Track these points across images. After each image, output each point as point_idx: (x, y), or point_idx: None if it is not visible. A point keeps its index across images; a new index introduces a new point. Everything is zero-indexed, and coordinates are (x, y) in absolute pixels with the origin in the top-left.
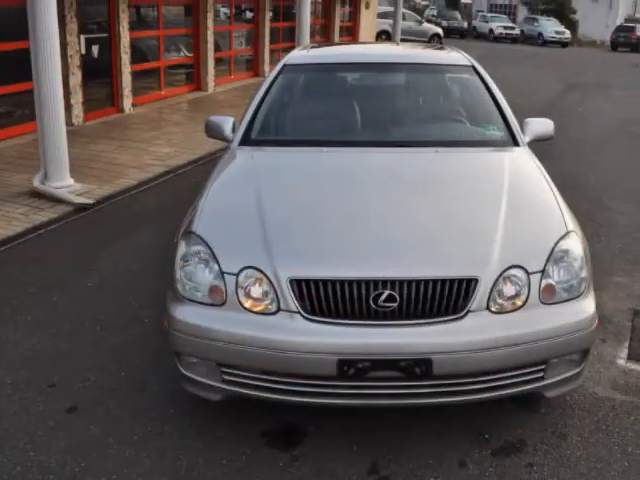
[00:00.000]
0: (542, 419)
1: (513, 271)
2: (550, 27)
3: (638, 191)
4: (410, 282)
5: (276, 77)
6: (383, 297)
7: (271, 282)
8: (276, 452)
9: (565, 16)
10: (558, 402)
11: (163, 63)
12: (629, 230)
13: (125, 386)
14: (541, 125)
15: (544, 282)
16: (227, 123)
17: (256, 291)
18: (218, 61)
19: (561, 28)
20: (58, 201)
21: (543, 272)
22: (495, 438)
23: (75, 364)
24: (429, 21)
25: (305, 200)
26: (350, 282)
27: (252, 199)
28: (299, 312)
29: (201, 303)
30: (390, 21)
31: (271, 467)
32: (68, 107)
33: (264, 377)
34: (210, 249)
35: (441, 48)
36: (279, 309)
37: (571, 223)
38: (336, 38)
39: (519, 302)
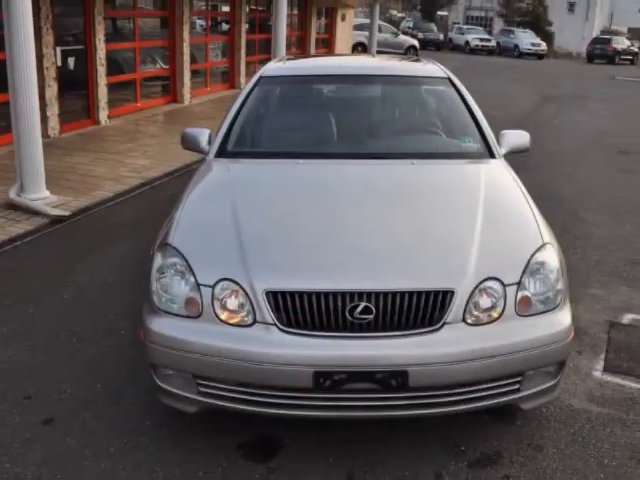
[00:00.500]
0: (518, 431)
1: (489, 283)
2: (526, 39)
3: (614, 203)
4: (386, 294)
5: (252, 89)
6: (359, 309)
7: (247, 294)
8: (252, 464)
9: (541, 28)
10: (534, 414)
11: (139, 75)
12: (605, 242)
13: (101, 398)
14: (517, 137)
15: (520, 294)
16: (203, 135)
17: (232, 303)
18: (194, 73)
19: (537, 40)
20: (34, 213)
21: (519, 284)
22: (471, 450)
23: (51, 376)
24: (405, 33)
25: (281, 212)
26: (326, 294)
27: (228, 211)
28: (275, 324)
29: (177, 315)
30: (366, 33)
31: (247, 479)
32: (44, 119)
33: (240, 389)
34: (186, 261)
35: (417, 60)
36: (255, 321)
37: (547, 235)
38: (312, 50)
39: (495, 314)
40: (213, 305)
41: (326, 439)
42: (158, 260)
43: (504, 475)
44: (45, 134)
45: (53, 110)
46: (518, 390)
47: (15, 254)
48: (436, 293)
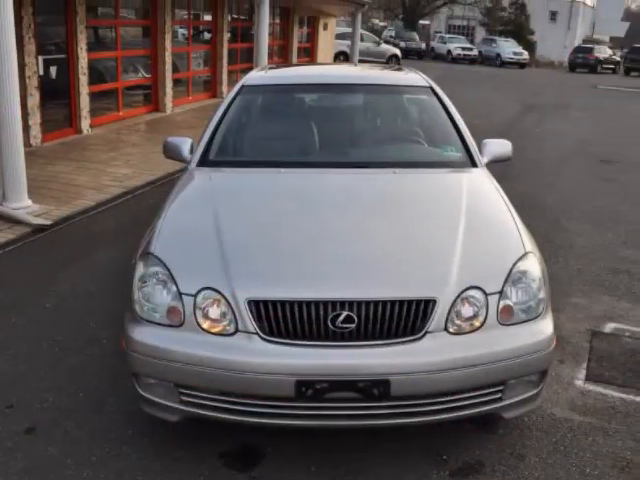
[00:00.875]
0: (500, 440)
1: (471, 292)
2: (508, 48)
3: (596, 212)
4: (368, 303)
5: (234, 98)
6: (341, 318)
7: (229, 303)
8: (234, 473)
9: (523, 37)
10: (516, 423)
11: (121, 84)
12: (587, 251)
13: (83, 407)
14: (499, 146)
15: (502, 303)
16: (185, 144)
17: (214, 312)
18: (176, 82)
19: (519, 49)
20: (16, 222)
21: (501, 293)
22: (453, 459)
23: (33, 385)
24: (387, 42)
25: (263, 221)
26: (308, 303)
27: (210, 220)
28: (257, 333)
29: (159, 324)
30: (348, 42)
31: None
32: (26, 128)
33: (222, 398)
34: (168, 270)
35: (399, 69)
36: (237, 330)
37: (529, 244)
38: (294, 59)
39: (477, 323)
40: (195, 314)
41: (308, 448)
42: (140, 269)
43: None
44: (27, 143)
45: (35, 119)
46: (500, 399)
47: None
48: (418, 302)
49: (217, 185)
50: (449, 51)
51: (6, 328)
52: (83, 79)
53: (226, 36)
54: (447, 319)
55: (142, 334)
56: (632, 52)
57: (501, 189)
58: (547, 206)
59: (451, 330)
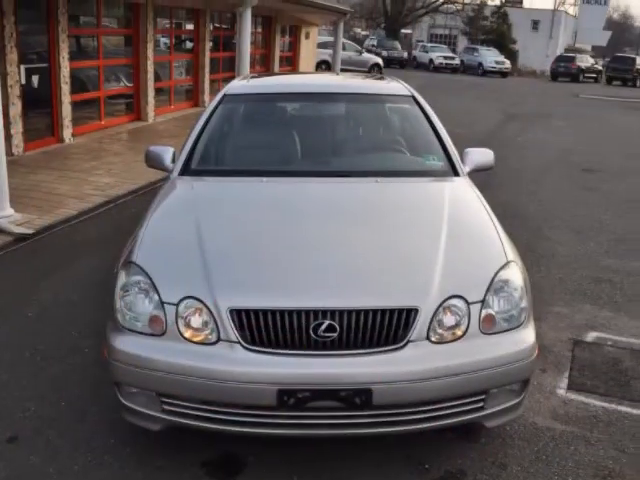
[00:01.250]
0: (482, 449)
1: (453, 301)
2: (490, 57)
3: (578, 221)
4: (350, 312)
5: (216, 107)
6: (323, 327)
7: (211, 312)
8: None
9: (505, 46)
10: (498, 432)
11: (103, 93)
12: (569, 260)
13: (65, 416)
14: (481, 155)
15: (484, 312)
16: (167, 153)
17: (196, 321)
18: (158, 91)
19: (501, 58)
20: None
21: (483, 302)
22: (435, 468)
23: (15, 394)
24: (369, 51)
25: (245, 230)
26: (290, 312)
27: (192, 229)
28: (239, 342)
29: (141, 333)
30: (330, 51)
31: None
32: (8, 137)
33: (204, 407)
34: (150, 279)
35: (381, 78)
36: (219, 339)
37: (511, 253)
38: (276, 68)
39: (459, 332)
40: (177, 323)
41: (290, 457)
42: (122, 278)
43: None
44: (9, 152)
45: (17, 128)
46: (482, 408)
47: None
48: (400, 311)
49: (199, 194)
50: (431, 60)
51: None
52: (65, 88)
53: (208, 45)
54: (429, 328)
55: (124, 343)
56: (614, 61)
57: (483, 198)
58: (529, 215)
59: (433, 339)
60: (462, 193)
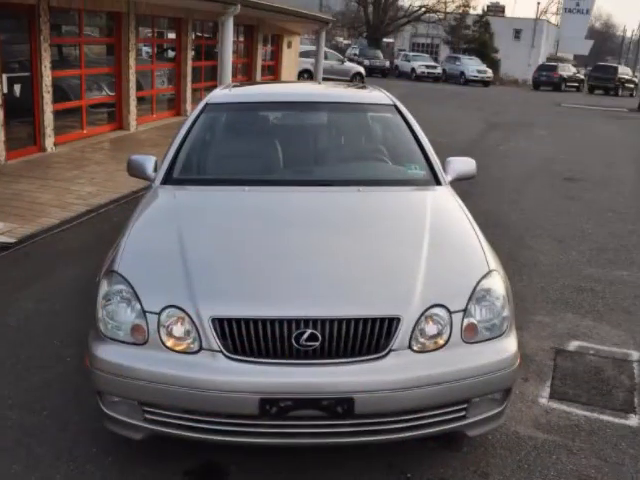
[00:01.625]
0: (464, 458)
1: (435, 310)
2: (472, 66)
3: (560, 230)
4: (332, 321)
5: (198, 116)
6: (305, 336)
7: (193, 321)
8: None
9: (487, 55)
10: (480, 441)
11: (85, 102)
12: (551, 269)
13: (47, 425)
14: (463, 164)
15: (466, 321)
16: (149, 162)
17: (178, 330)
18: (140, 100)
19: (483, 67)
20: None
21: (465, 311)
22: (417, 477)
23: None
24: (351, 60)
25: (227, 239)
26: (272, 321)
27: (174, 238)
28: (221, 351)
29: (123, 342)
30: (312, 60)
31: None
32: None
33: (186, 416)
34: (132, 288)
35: (363, 87)
36: (201, 348)
37: (493, 262)
38: (258, 77)
39: (441, 341)
40: (159, 332)
41: (273, 466)
42: (104, 287)
43: None
44: None
45: None
46: (464, 417)
47: None
48: (382, 320)
49: (181, 203)
50: (413, 69)
51: None
52: (47, 97)
53: (190, 54)
54: (411, 337)
55: (106, 352)
56: (596, 70)
57: (465, 207)
58: (511, 224)
59: (415, 348)
60: (444, 202)
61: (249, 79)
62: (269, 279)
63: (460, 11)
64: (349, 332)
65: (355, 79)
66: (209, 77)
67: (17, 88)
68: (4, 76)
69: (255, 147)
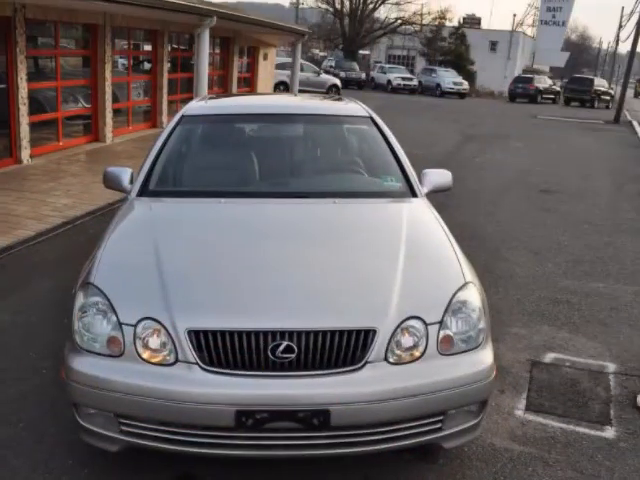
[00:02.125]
0: (440, 470)
1: (411, 322)
2: (448, 78)
3: (536, 242)
4: (308, 333)
5: (174, 128)
6: (281, 348)
7: (169, 333)
8: None
9: (463, 67)
10: (456, 453)
11: (61, 114)
12: (527, 281)
13: (23, 437)
14: (439, 176)
15: (442, 333)
16: (125, 174)
17: (154, 342)
18: (116, 112)
19: (459, 79)
20: None
21: (441, 323)
22: None
23: None
24: (327, 72)
25: (204, 251)
26: (248, 333)
27: (150, 250)
28: (197, 363)
29: (99, 354)
30: (288, 72)
31: None
32: None
33: (162, 428)
34: (108, 300)
35: (339, 99)
36: (177, 360)
37: (469, 274)
38: (234, 89)
39: (417, 353)
40: (135, 344)
41: (248, 478)
42: (80, 299)
43: None
44: None
45: None
46: (440, 429)
47: None
48: (358, 332)
49: (157, 215)
50: (389, 81)
51: None
52: (23, 109)
53: (166, 66)
54: (387, 349)
55: (82, 364)
56: (572, 82)
57: (441, 219)
58: (487, 236)
59: (391, 360)
60: (420, 214)
61: (225, 91)
62: (245, 291)
63: (436, 23)
64: (325, 344)
65: (331, 91)
66: (185, 89)
67: None
68: None
69: (231, 159)
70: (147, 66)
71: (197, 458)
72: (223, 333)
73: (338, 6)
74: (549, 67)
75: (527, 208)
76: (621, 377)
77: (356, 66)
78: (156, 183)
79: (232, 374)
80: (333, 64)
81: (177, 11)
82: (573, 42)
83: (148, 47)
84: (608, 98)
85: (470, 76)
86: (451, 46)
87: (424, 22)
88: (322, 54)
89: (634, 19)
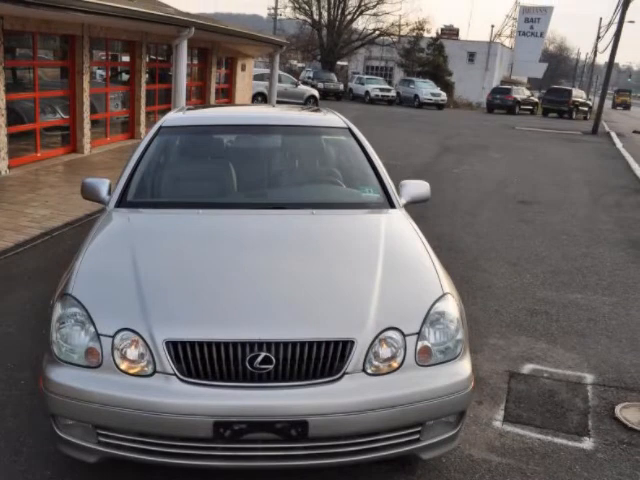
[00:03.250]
0: None
1: (389, 333)
2: (426, 89)
3: (514, 253)
4: (286, 344)
5: (152, 139)
6: (259, 359)
7: (147, 344)
8: None
9: (441, 78)
10: (434, 464)
11: (39, 125)
12: (505, 292)
13: (1, 448)
14: (417, 187)
15: (420, 344)
16: (103, 185)
17: (132, 353)
18: (94, 123)
19: (437, 90)
20: None
21: (419, 334)
22: None
23: None
24: (305, 83)
25: (181, 262)
26: (226, 344)
27: (128, 261)
28: (175, 374)
29: (77, 365)
30: (266, 83)
31: None
32: None
33: (140, 439)
34: (86, 311)
35: (317, 110)
36: (155, 371)
37: (447, 285)
38: (212, 100)
39: (395, 364)
40: (113, 355)
41: None
42: (58, 310)
43: None
44: None
45: None
46: (418, 440)
47: None
48: (336, 343)
49: (135, 226)
50: (367, 92)
51: None
52: (1, 120)
53: (144, 77)
54: (365, 360)
55: (60, 375)
56: (550, 93)
57: (419, 230)
58: (465, 247)
59: (369, 371)
60: (398, 225)
61: (203, 102)
62: (223, 302)
63: (414, 34)
64: (303, 355)
65: (309, 102)
66: (163, 100)
67: None
68: None
69: (209, 170)
70: (125, 77)
71: (175, 469)
72: (201, 344)
73: (316, 17)
74: (527, 78)
75: (505, 219)
76: (599, 388)
77: (334, 77)
78: (134, 194)
79: (210, 385)
80: (311, 75)
81: (155, 22)
82: (551, 53)
83: (126, 58)
84: (586, 109)
85: (448, 87)
86: (429, 57)
87: (402, 33)
88: (300, 65)
89: (612, 30)
